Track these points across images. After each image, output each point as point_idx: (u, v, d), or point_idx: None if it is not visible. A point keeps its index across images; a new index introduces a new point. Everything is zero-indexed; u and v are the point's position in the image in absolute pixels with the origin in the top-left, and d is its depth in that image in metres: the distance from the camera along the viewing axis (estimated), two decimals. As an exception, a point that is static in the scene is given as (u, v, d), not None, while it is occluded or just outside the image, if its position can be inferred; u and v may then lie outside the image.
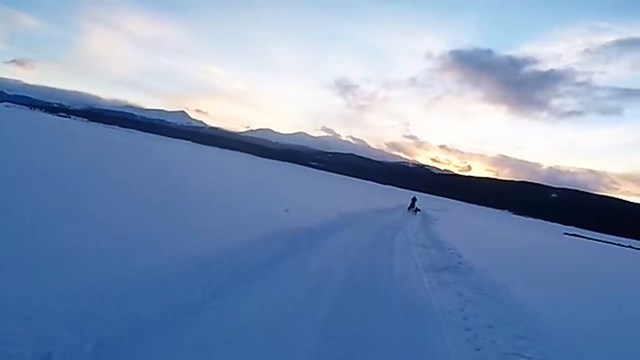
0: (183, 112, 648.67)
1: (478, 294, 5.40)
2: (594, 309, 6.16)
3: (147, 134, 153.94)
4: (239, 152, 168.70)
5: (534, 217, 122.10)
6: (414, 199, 26.38)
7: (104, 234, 4.23)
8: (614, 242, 51.97)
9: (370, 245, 8.40)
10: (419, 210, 24.97)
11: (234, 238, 5.21)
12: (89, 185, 7.28)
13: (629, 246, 47.60)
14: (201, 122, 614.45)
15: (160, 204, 6.80)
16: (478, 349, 3.61)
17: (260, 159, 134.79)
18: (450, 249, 9.44)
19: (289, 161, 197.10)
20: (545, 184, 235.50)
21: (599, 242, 44.52)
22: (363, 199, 23.52)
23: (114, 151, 20.77)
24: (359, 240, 8.65)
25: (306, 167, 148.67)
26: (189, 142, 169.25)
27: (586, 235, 52.56)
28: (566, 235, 46.73)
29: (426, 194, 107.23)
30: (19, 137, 16.67)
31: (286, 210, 9.10)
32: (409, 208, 25.07)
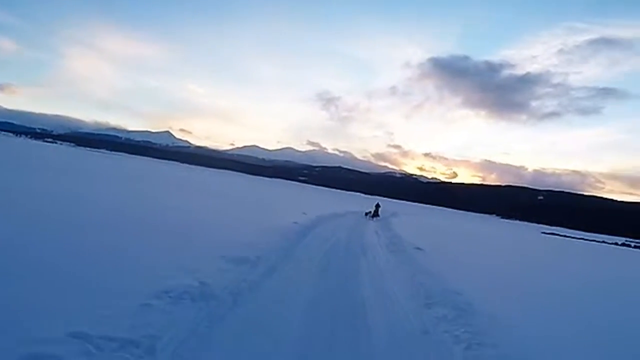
0: (168, 132, 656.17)
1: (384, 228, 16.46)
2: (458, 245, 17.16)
3: (135, 156, 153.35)
4: (228, 171, 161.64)
5: (521, 220, 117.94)
6: (377, 206, 25.55)
7: (218, 226, 14.96)
8: (591, 238, 53.50)
9: (353, 222, 19.40)
10: (378, 216, 24.49)
11: (298, 221, 15.96)
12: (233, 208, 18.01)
13: (602, 241, 50.41)
14: (186, 141, 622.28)
15: (261, 209, 17.54)
16: (376, 232, 14.62)
17: (250, 176, 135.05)
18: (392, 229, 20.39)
19: (277, 177, 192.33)
20: (531, 187, 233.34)
21: (573, 239, 45.05)
22: (352, 206, 34.30)
23: (205, 187, 31.05)
24: (348, 221, 19.61)
25: (296, 183, 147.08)
26: (177, 162, 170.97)
27: (564, 234, 54.06)
28: (543, 234, 48.47)
29: (414, 203, 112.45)
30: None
31: (304, 213, 19.84)
32: (367, 214, 24.20)
